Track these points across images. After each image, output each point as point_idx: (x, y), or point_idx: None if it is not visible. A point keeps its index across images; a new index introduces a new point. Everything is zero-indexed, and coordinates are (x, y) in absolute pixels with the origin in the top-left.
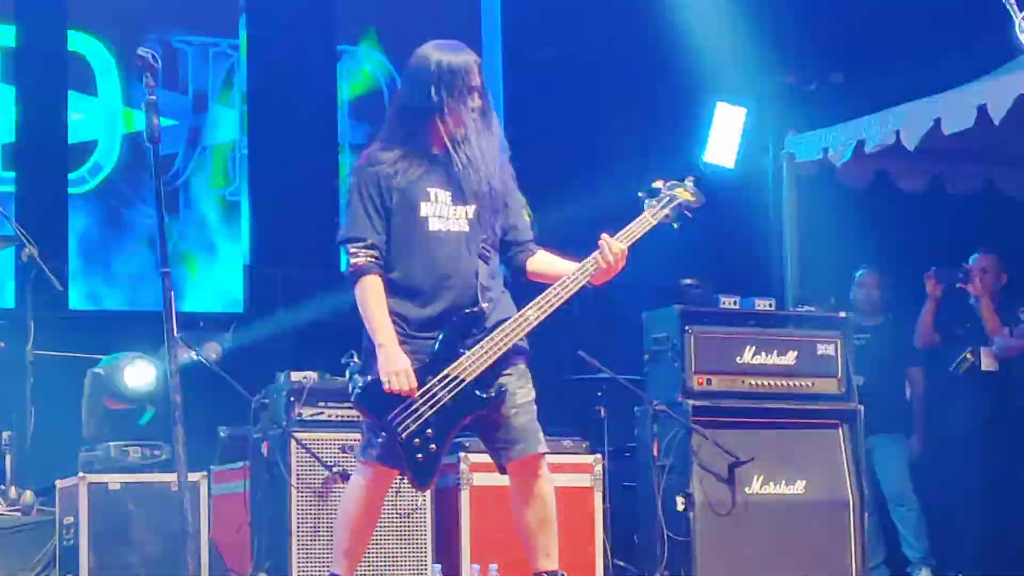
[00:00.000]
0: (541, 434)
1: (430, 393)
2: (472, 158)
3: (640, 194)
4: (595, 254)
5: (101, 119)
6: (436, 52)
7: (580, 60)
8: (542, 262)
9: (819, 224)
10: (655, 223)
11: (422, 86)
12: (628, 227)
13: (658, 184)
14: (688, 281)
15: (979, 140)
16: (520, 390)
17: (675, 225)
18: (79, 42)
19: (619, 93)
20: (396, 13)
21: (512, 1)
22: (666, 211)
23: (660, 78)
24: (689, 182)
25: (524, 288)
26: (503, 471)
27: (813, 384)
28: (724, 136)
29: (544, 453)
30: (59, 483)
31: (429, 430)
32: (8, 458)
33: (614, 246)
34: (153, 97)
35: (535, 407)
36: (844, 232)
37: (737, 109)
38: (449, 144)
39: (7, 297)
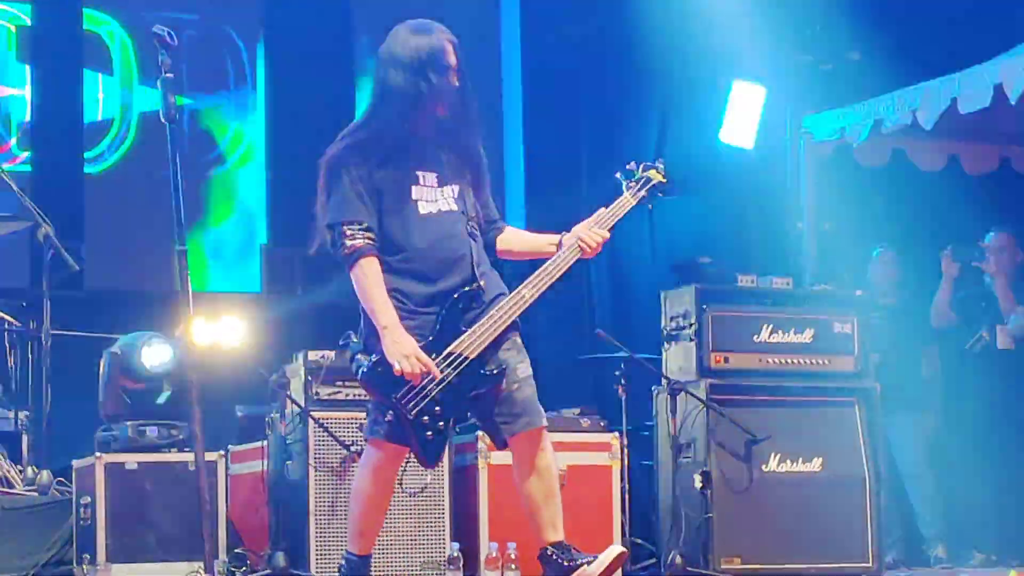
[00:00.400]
0: (540, 408)
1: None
2: (455, 139)
3: (617, 175)
4: (576, 240)
5: (116, 98)
6: (412, 36)
7: (598, 41)
8: (510, 238)
9: (836, 203)
10: (635, 203)
11: (402, 70)
12: (611, 207)
13: (631, 166)
14: (705, 260)
15: (996, 119)
16: (520, 364)
17: (649, 206)
18: (94, 21)
19: (637, 73)
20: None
21: None
22: (643, 192)
23: (678, 58)
24: (659, 164)
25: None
26: (503, 446)
27: (829, 362)
28: (742, 116)
29: (546, 426)
30: (76, 463)
31: (437, 408)
32: (25, 438)
33: (595, 236)
34: (169, 75)
35: (534, 382)
36: (861, 211)
37: (755, 88)
38: (431, 125)
39: (23, 277)
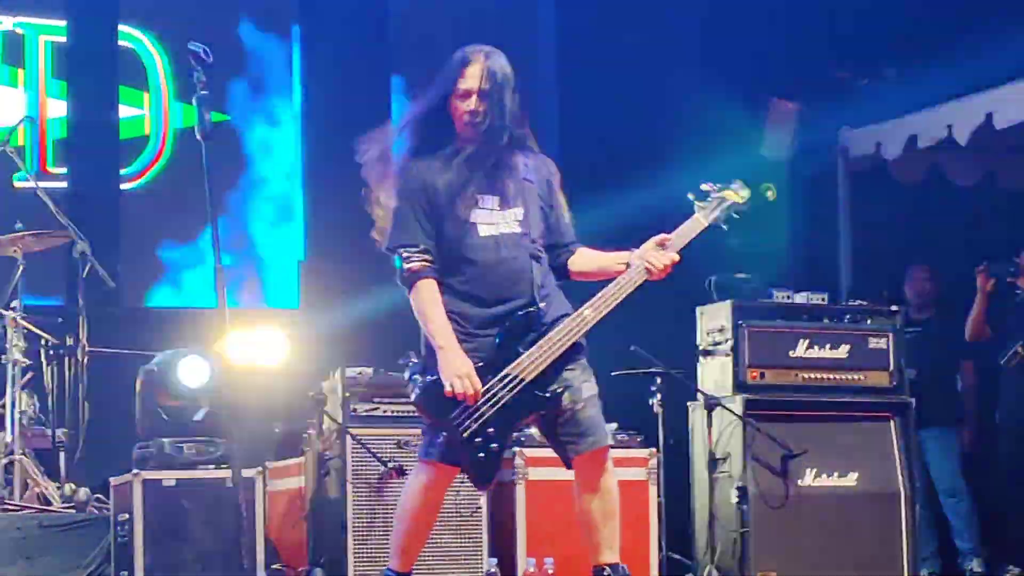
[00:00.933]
0: (606, 427)
1: (491, 392)
2: (500, 159)
3: (690, 195)
4: (644, 262)
5: (152, 114)
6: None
7: (635, 57)
8: (582, 259)
9: (872, 219)
10: (707, 224)
11: (433, 92)
12: (680, 229)
13: (706, 187)
14: (741, 275)
15: None
16: (585, 384)
17: (724, 227)
18: (130, 37)
19: (675, 89)
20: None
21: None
22: (717, 212)
23: (715, 74)
24: (737, 184)
25: (577, 287)
26: (569, 465)
27: (865, 377)
28: (779, 131)
29: (610, 446)
30: (113, 480)
31: (490, 429)
32: (63, 455)
33: (662, 259)
34: (204, 92)
35: (599, 401)
36: (897, 226)
37: (792, 104)
38: (491, 148)
39: (60, 294)
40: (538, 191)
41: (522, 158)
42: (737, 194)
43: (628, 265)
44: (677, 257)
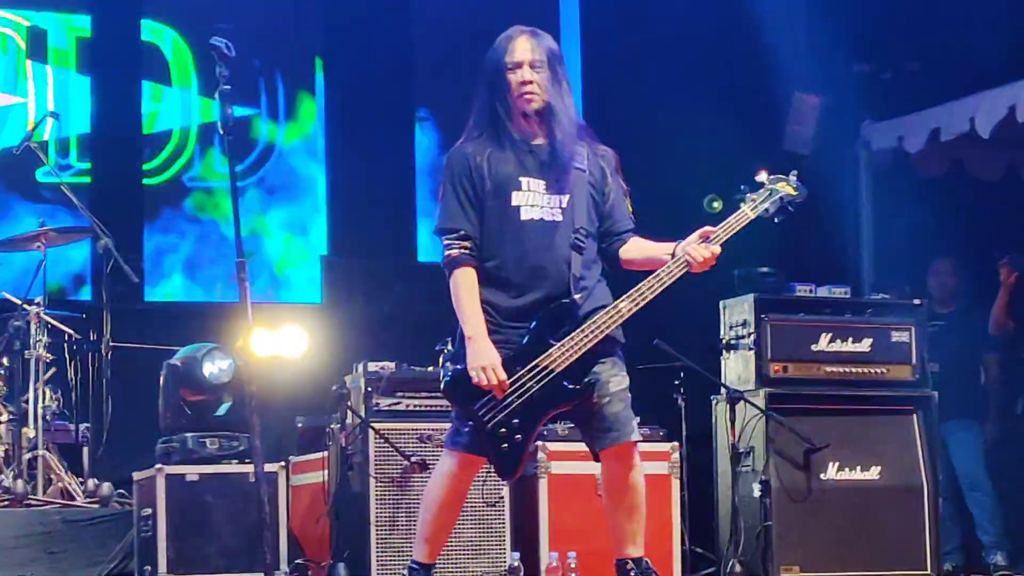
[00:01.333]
0: (635, 422)
1: (519, 383)
2: (556, 145)
3: (742, 187)
4: (685, 254)
5: (176, 109)
6: (501, 42)
7: (657, 50)
8: (633, 248)
9: (894, 212)
10: (753, 216)
11: (483, 72)
12: (726, 221)
13: (761, 177)
14: (764, 269)
15: None
16: (614, 378)
17: (775, 220)
18: (153, 32)
19: (696, 83)
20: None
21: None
22: (766, 204)
23: (737, 67)
24: (792, 176)
25: (620, 278)
26: (597, 458)
27: (888, 371)
28: (801, 125)
29: (637, 442)
30: (137, 475)
31: (516, 420)
32: (86, 450)
33: (704, 251)
34: (227, 87)
35: (629, 395)
36: (919, 220)
37: (814, 98)
38: (539, 132)
39: (84, 289)
40: (588, 179)
41: (575, 146)
42: (791, 186)
43: (673, 255)
44: (718, 250)
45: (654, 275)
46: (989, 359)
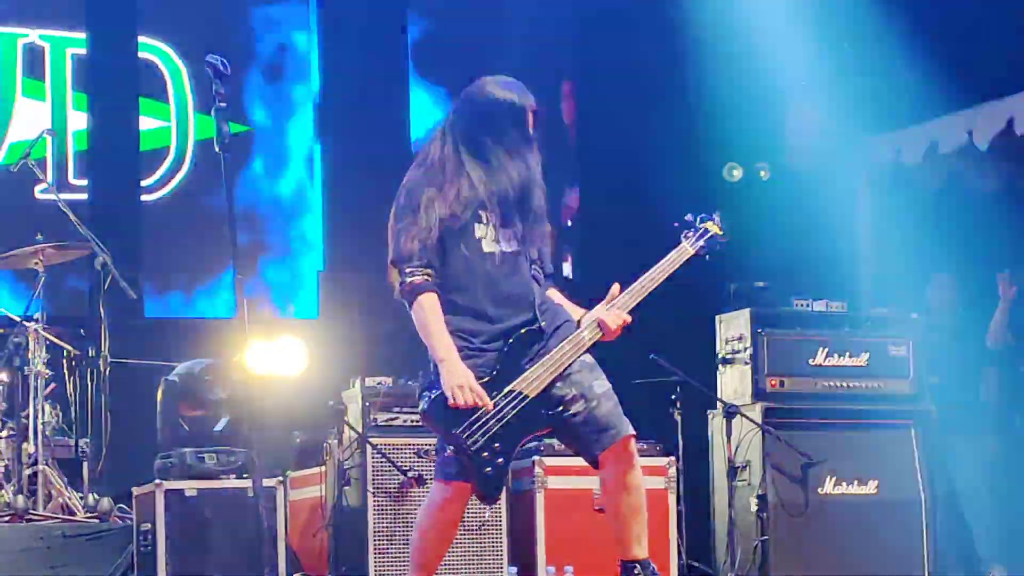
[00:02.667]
0: (625, 419)
1: (496, 407)
2: (512, 181)
3: (676, 224)
4: (593, 324)
5: (173, 126)
6: (496, 88)
7: (655, 62)
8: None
9: (893, 225)
10: (693, 252)
11: (490, 112)
12: (669, 255)
13: (689, 217)
14: (761, 284)
15: None
16: (595, 382)
17: (707, 257)
18: (150, 49)
19: (695, 95)
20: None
21: (584, 5)
22: (702, 243)
23: (736, 80)
24: (716, 216)
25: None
26: (596, 464)
27: (885, 385)
28: (800, 137)
29: (634, 435)
30: (136, 490)
31: (496, 444)
32: (86, 465)
33: (616, 319)
34: (223, 104)
35: (614, 394)
36: (918, 233)
37: (813, 110)
38: (483, 168)
39: (82, 305)
40: (538, 213)
41: (529, 181)
42: (717, 227)
43: (579, 324)
44: (628, 318)
45: (567, 340)
46: (989, 373)
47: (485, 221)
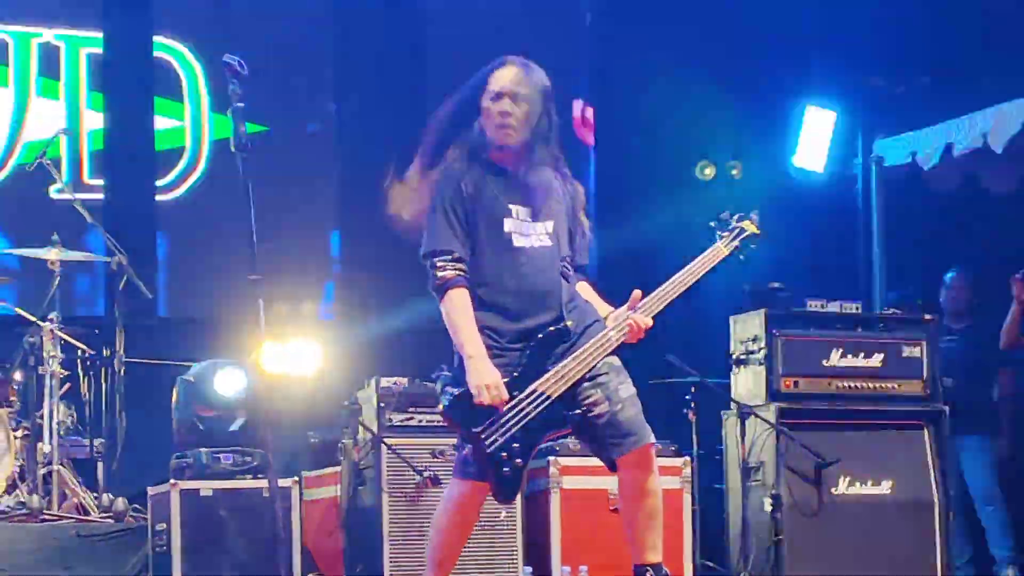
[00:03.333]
0: (648, 427)
1: (518, 408)
2: (544, 176)
3: (711, 224)
4: (619, 326)
5: (189, 126)
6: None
7: (668, 65)
8: (582, 293)
9: (907, 227)
10: (728, 253)
11: (463, 97)
12: (703, 255)
13: (725, 216)
14: (775, 285)
15: None
16: (621, 386)
17: (741, 256)
18: (165, 48)
19: (709, 97)
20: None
21: (600, 7)
22: (736, 243)
23: (750, 82)
24: (754, 215)
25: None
26: (613, 467)
27: (899, 386)
28: (814, 140)
29: (654, 444)
30: (151, 490)
31: (515, 444)
32: (100, 465)
33: (642, 323)
34: (240, 104)
35: (639, 400)
36: (932, 235)
37: (826, 113)
38: (520, 159)
39: (98, 305)
40: (565, 210)
41: (553, 176)
42: (754, 226)
43: (606, 320)
44: (650, 322)
45: (595, 339)
46: (1003, 374)
47: (516, 215)
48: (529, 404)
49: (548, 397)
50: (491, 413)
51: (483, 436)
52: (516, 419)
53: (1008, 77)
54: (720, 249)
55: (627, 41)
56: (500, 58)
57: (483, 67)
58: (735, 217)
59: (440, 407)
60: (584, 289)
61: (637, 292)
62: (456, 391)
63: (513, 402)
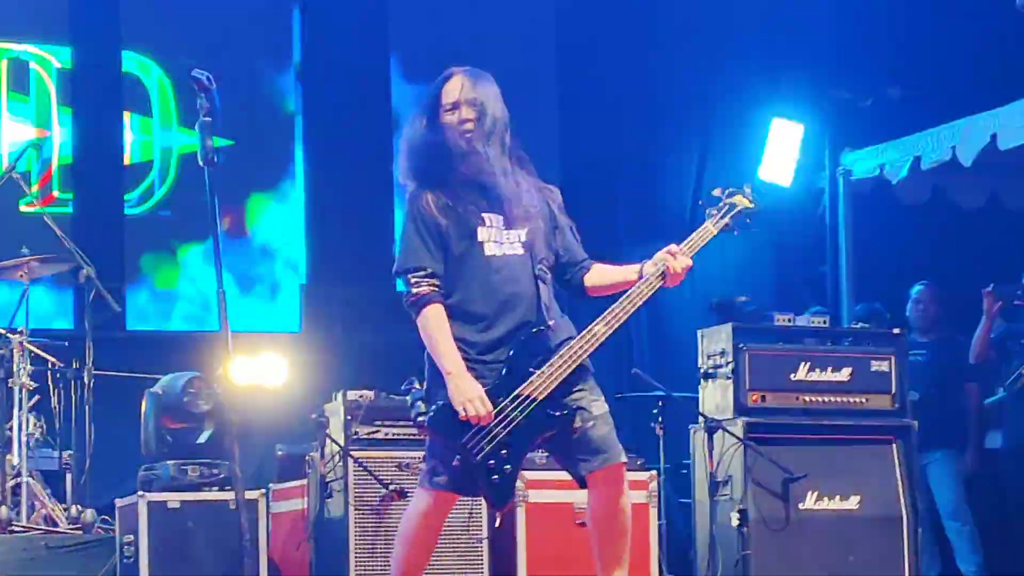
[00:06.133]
0: (619, 445)
1: (503, 414)
2: (517, 181)
3: (700, 202)
4: (656, 268)
5: (156, 140)
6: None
7: (636, 76)
8: (597, 275)
9: (875, 240)
10: (716, 232)
11: (420, 114)
12: (690, 238)
13: (716, 192)
14: (742, 298)
15: None
16: (595, 403)
17: (735, 232)
18: (133, 63)
19: (675, 109)
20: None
21: (567, 17)
22: (726, 220)
23: (717, 95)
24: (747, 188)
25: (585, 305)
26: (583, 484)
27: (867, 400)
28: (781, 153)
29: (625, 463)
30: (119, 502)
31: (504, 451)
32: (69, 477)
33: (681, 262)
34: (207, 118)
35: (611, 419)
36: (900, 249)
37: (794, 125)
38: (489, 168)
39: (66, 318)
40: (539, 213)
41: (523, 179)
42: (747, 199)
43: (640, 275)
44: (691, 262)
45: (625, 296)
46: (970, 388)
47: (489, 223)
48: (515, 409)
49: (534, 400)
50: (476, 423)
51: (470, 446)
52: (502, 425)
53: (976, 90)
54: (708, 228)
55: (593, 55)
56: (445, 72)
57: (428, 87)
58: (726, 192)
59: (419, 419)
60: (600, 268)
61: (672, 246)
62: (437, 404)
63: (498, 407)
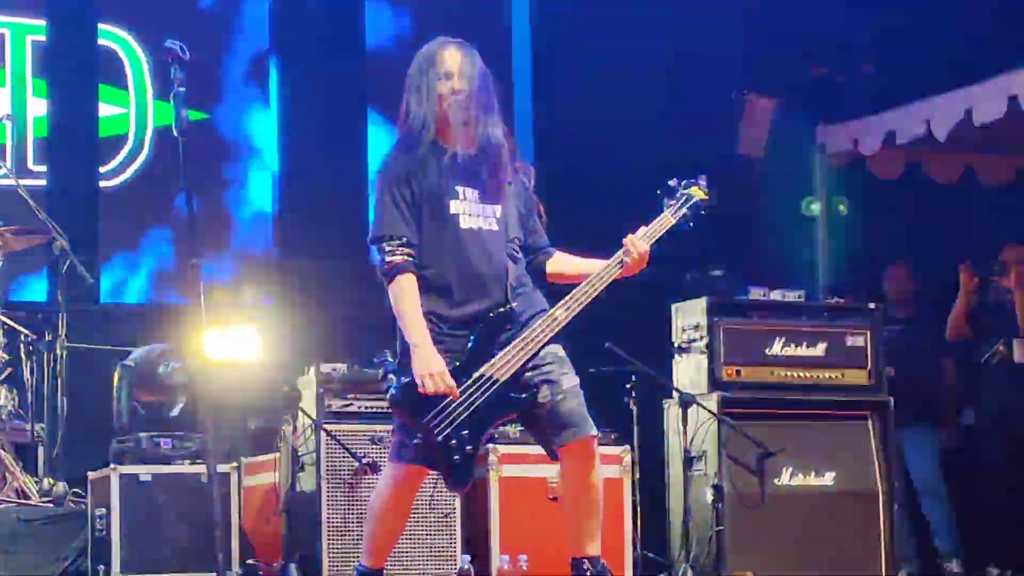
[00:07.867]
0: (589, 418)
1: (465, 394)
2: (493, 158)
3: (658, 192)
4: (620, 253)
5: (131, 112)
6: (423, 49)
7: (610, 50)
8: (560, 262)
9: (850, 215)
10: (675, 221)
11: (411, 80)
12: (650, 226)
13: (673, 183)
14: (717, 272)
15: (1011, 130)
16: (564, 376)
17: (690, 224)
18: (109, 36)
19: (649, 83)
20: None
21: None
22: (684, 210)
23: (691, 69)
24: (702, 180)
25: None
26: (554, 457)
27: (843, 375)
28: (755, 127)
29: (595, 436)
30: (91, 475)
31: (465, 431)
32: (41, 450)
33: (639, 246)
34: (182, 89)
35: (581, 392)
36: (875, 223)
37: (768, 100)
38: (467, 141)
39: (40, 290)
40: (515, 191)
41: (503, 156)
42: (703, 191)
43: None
44: (647, 248)
45: (586, 282)
46: (947, 364)
47: (463, 197)
48: (476, 390)
49: (496, 381)
50: (439, 401)
51: (432, 425)
52: (464, 406)
53: (951, 65)
54: (667, 218)
55: (567, 30)
56: (439, 39)
57: (423, 50)
58: (683, 184)
59: (387, 396)
60: (566, 258)
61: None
62: (401, 380)
63: (460, 388)
